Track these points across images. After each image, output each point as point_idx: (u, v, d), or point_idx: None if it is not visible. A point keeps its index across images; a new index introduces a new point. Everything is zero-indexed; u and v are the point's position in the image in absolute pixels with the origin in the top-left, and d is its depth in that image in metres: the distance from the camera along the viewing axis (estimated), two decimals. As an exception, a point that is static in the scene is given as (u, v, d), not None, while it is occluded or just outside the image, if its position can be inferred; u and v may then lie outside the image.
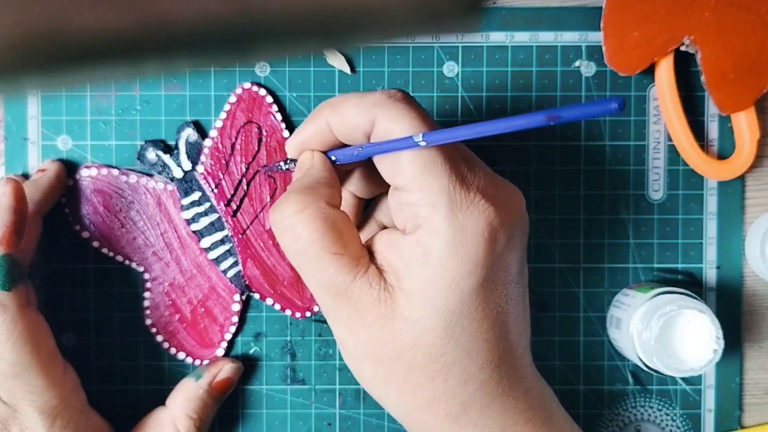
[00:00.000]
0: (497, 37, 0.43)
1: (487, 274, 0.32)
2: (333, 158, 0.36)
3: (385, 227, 0.39)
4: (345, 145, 0.36)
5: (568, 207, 0.44)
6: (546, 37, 0.43)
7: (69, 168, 0.42)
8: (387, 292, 0.32)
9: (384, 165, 0.34)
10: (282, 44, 0.16)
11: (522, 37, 0.43)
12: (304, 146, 0.37)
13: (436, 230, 0.32)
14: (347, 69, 0.43)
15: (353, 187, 0.39)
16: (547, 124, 0.27)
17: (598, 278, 0.44)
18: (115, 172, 0.43)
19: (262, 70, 0.43)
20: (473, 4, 0.16)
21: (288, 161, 0.39)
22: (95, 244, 0.42)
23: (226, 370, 0.42)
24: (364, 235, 0.40)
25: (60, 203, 0.42)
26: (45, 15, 0.13)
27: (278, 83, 0.43)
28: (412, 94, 0.43)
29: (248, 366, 0.43)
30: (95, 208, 0.42)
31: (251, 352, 0.44)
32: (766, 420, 0.44)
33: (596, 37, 0.43)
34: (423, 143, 0.31)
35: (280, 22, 0.15)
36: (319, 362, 0.43)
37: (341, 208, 0.36)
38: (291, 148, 0.38)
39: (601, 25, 0.42)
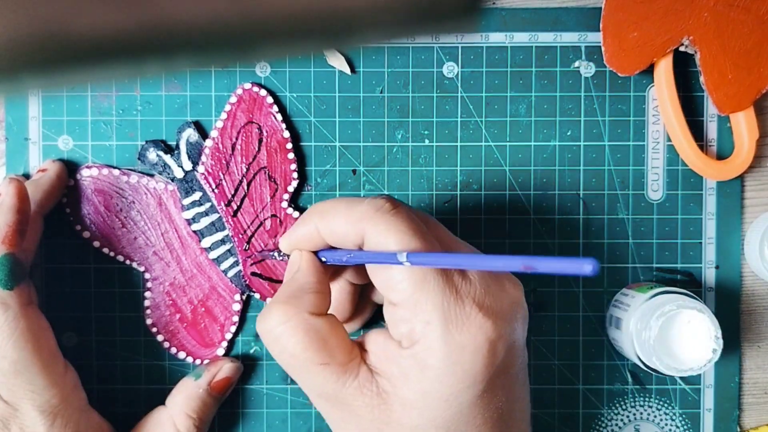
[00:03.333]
0: (497, 38, 0.43)
1: (486, 385, 0.32)
2: (323, 259, 0.36)
3: (380, 305, 0.40)
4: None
5: (567, 207, 0.44)
6: (545, 38, 0.43)
7: (70, 168, 0.43)
8: (381, 398, 0.32)
9: (377, 278, 0.33)
10: (282, 44, 0.16)
11: (521, 38, 0.43)
12: (295, 246, 0.36)
13: (432, 348, 0.31)
14: (347, 69, 0.43)
15: (348, 275, 0.38)
16: (523, 273, 0.27)
17: (597, 278, 0.44)
18: (116, 172, 0.43)
19: (263, 70, 0.43)
20: (473, 5, 0.16)
21: (281, 254, 0.39)
22: (96, 243, 0.43)
23: (225, 369, 0.42)
24: (360, 317, 0.41)
25: (61, 203, 0.42)
26: (46, 15, 0.13)
27: (278, 84, 0.43)
28: (412, 94, 0.43)
29: (248, 365, 0.43)
30: (96, 208, 0.43)
31: (251, 351, 0.44)
32: (764, 419, 0.44)
33: (595, 37, 0.43)
34: (407, 263, 0.31)
35: (281, 23, 0.15)
36: (319, 362, 0.44)
37: (338, 295, 0.37)
38: (283, 246, 0.37)
39: (601, 25, 0.42)
